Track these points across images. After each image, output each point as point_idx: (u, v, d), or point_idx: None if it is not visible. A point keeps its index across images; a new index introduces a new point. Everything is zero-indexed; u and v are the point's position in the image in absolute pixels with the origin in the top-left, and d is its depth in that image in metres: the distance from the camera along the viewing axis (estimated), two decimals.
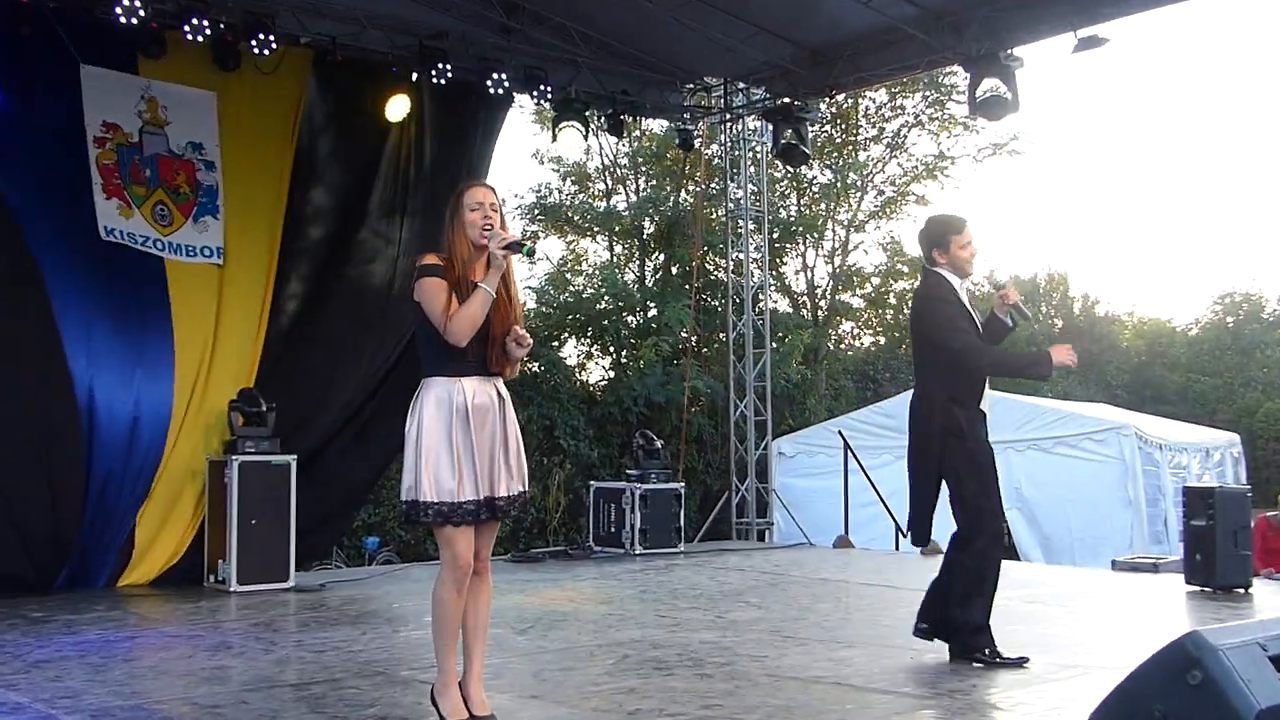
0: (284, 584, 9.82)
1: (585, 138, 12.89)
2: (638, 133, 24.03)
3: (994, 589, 6.52)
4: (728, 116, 14.72)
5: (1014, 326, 6.72)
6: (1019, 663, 6.40)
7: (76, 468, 9.61)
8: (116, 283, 9.92)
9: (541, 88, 12.01)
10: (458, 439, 4.83)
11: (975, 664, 6.45)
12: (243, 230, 10.63)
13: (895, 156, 26.99)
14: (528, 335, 4.95)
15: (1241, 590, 9.59)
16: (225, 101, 10.65)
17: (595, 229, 24.86)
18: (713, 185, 22.10)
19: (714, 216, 22.53)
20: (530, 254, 4.97)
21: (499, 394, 5.00)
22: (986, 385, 6.55)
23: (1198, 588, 9.70)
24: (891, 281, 28.27)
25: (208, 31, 9.89)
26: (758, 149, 15.82)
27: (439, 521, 4.82)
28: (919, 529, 6.64)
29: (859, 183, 26.62)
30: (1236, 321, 43.15)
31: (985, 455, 6.48)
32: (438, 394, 4.87)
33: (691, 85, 13.97)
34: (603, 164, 25.08)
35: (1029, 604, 8.93)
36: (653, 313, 22.27)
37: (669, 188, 24.28)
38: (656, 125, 22.49)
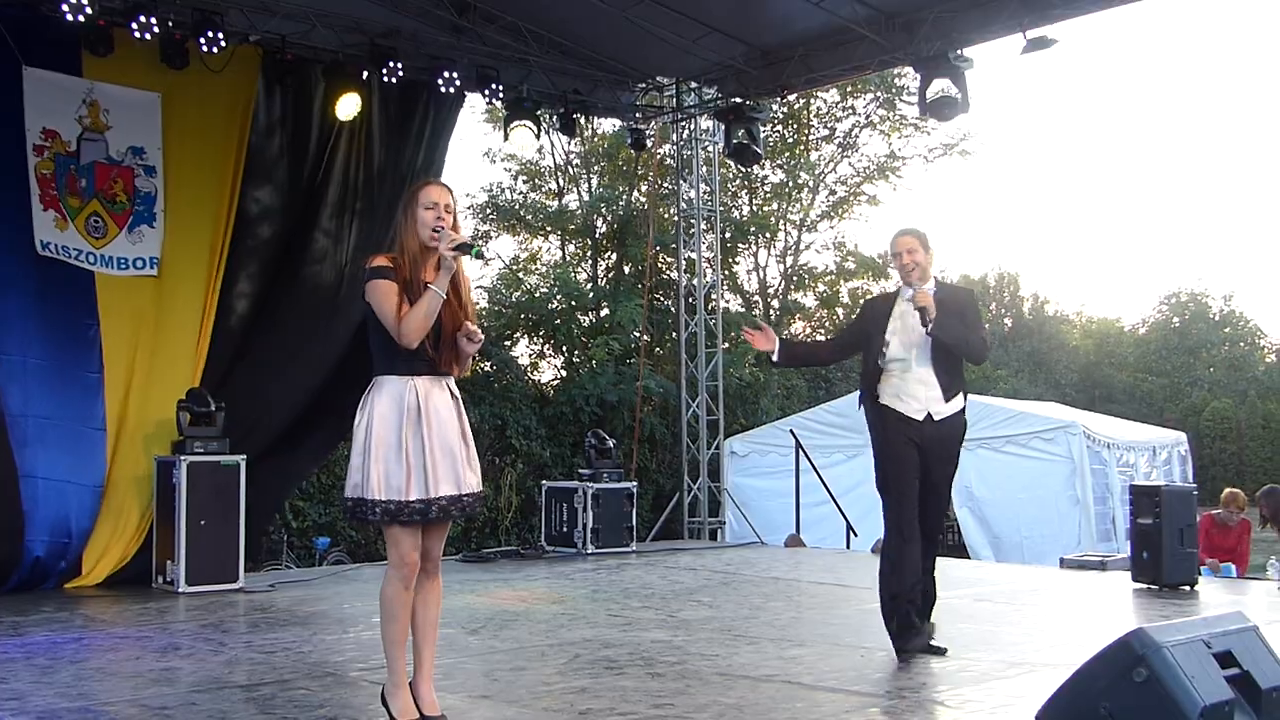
0: (233, 585, 9.75)
1: (537, 137, 12.90)
2: (590, 132, 24.05)
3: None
4: (680, 116, 14.74)
5: (930, 330, 6.71)
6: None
7: (11, 482, 9.50)
8: (48, 297, 9.79)
9: (493, 86, 11.98)
10: (408, 438, 4.82)
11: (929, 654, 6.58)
12: (185, 233, 10.52)
13: (847, 156, 27.18)
14: (479, 331, 4.95)
15: (1188, 588, 9.70)
16: (171, 102, 10.53)
17: (548, 228, 24.86)
18: (665, 184, 22.16)
19: (666, 216, 22.57)
20: (480, 256, 4.97)
21: (451, 393, 5.00)
22: (890, 380, 6.77)
23: (1145, 585, 9.81)
24: (843, 281, 28.43)
25: (156, 29, 9.79)
26: (710, 148, 15.85)
27: (386, 520, 4.81)
28: None
29: (811, 182, 26.77)
30: (1183, 321, 43.67)
31: (895, 454, 6.73)
32: (390, 393, 4.86)
33: (643, 85, 13.99)
34: (555, 163, 25.11)
35: (978, 602, 9.00)
36: (605, 312, 22.29)
37: (621, 187, 24.32)
38: (608, 124, 22.53)
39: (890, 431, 6.70)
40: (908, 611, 6.63)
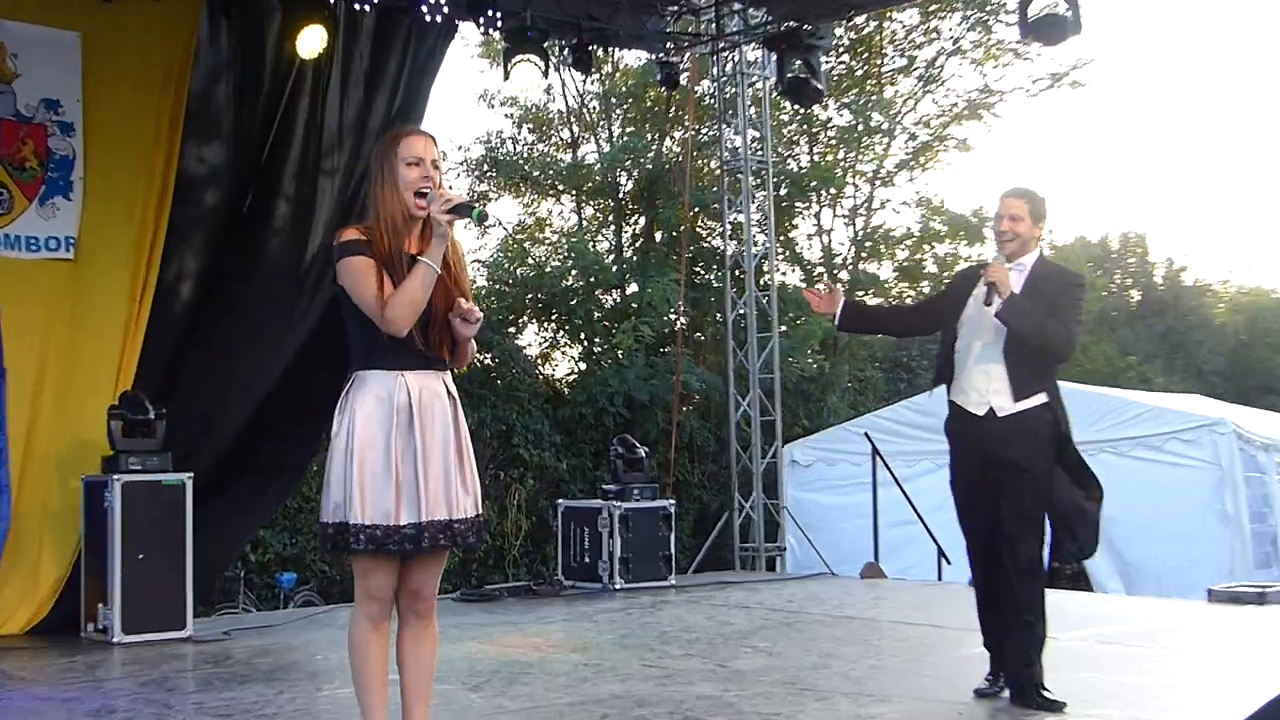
0: (180, 633, 9.79)
1: (545, 75, 12.83)
2: (610, 68, 24.05)
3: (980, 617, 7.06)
4: (721, 45, 14.74)
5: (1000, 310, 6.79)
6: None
7: None
8: None
9: (489, 14, 11.96)
10: (397, 446, 4.82)
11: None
12: (111, 202, 10.48)
13: (930, 92, 27.04)
14: (476, 309, 4.94)
15: None
16: (94, 43, 10.46)
17: (560, 187, 24.86)
18: (704, 131, 22.12)
19: (706, 170, 22.54)
20: (481, 219, 4.95)
21: (448, 391, 5.00)
22: (957, 367, 6.94)
23: None
24: (927, 247, 28.30)
25: None
26: (759, 85, 15.84)
27: (370, 549, 4.80)
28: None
29: (885, 125, 26.65)
30: None
31: (957, 462, 7.01)
32: (376, 391, 4.85)
33: (675, 7, 13.95)
34: (567, 107, 25.10)
35: (1104, 645, 8.98)
36: (632, 290, 22.29)
37: (650, 135, 24.29)
38: (633, 58, 22.55)
39: (951, 439, 7.01)
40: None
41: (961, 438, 6.93)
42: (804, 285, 25.58)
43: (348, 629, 4.97)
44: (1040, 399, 6.77)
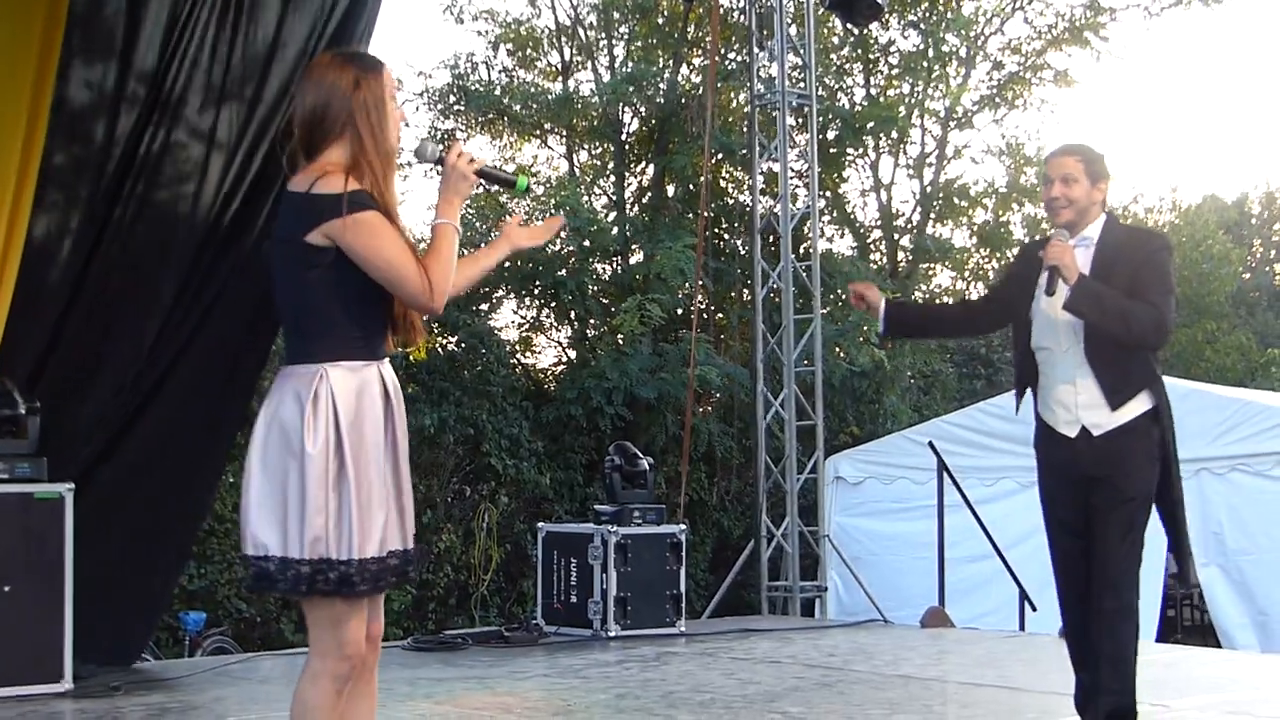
0: (56, 686, 9.80)
1: None
2: None
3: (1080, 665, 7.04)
4: None
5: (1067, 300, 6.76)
6: None
7: None
8: None
9: None
10: (384, 459, 4.91)
11: None
12: None
13: (1021, 9, 27.04)
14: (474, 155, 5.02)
15: None
16: None
17: (547, 126, 24.88)
18: (731, 57, 22.13)
19: (733, 106, 22.56)
20: (525, 190, 5.03)
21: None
22: (1041, 375, 6.91)
23: None
24: (1015, 205, 28.31)
25: None
26: None
27: (363, 589, 4.83)
28: None
29: (963, 51, 26.66)
30: None
31: (1047, 487, 7.02)
32: (356, 389, 4.87)
33: None
34: (557, 24, 25.11)
35: (1232, 716, 8.98)
36: (637, 259, 22.33)
37: (663, 61, 24.30)
38: None
39: (1040, 465, 7.04)
40: None
41: (1055, 459, 6.92)
42: (855, 254, 25.63)
43: (299, 690, 4.92)
44: (1144, 404, 6.75)
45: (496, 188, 4.96)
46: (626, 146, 24.46)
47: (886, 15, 21.65)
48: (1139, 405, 6.73)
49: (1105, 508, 6.74)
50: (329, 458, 4.79)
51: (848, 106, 25.36)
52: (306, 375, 4.86)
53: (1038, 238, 7.67)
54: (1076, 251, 6.71)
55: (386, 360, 5.01)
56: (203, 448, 11.49)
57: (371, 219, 4.81)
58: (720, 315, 22.72)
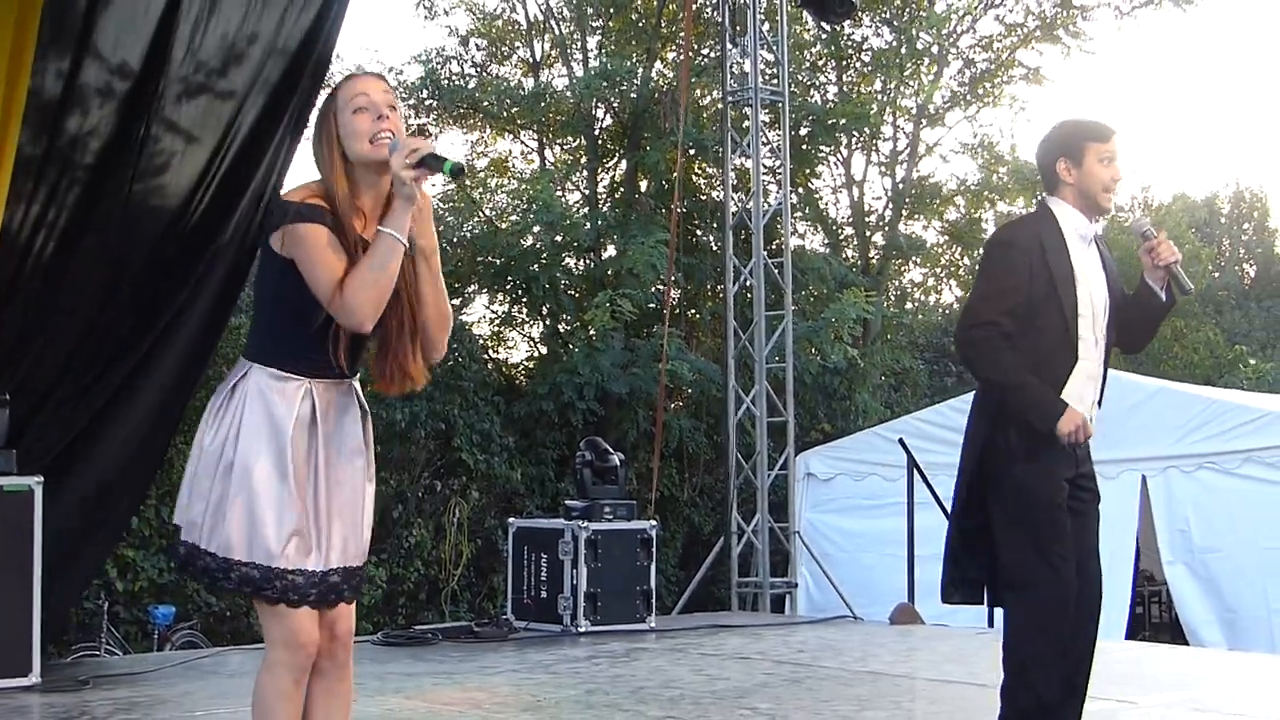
0: (23, 680, 9.78)
1: None
2: None
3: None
4: None
5: (1172, 302, 6.66)
6: None
7: None
8: None
9: None
10: (298, 471, 4.85)
11: None
12: None
13: (994, 6, 27.06)
14: (417, 141, 4.80)
15: None
16: None
17: (519, 121, 24.85)
18: (704, 53, 22.12)
19: (706, 101, 22.55)
20: (456, 172, 4.80)
21: (360, 405, 5.03)
22: (1080, 367, 6.59)
23: None
24: (987, 203, 28.34)
25: None
26: None
27: (248, 591, 4.82)
28: (944, 579, 7.01)
29: (936, 48, 26.67)
30: None
31: (1042, 486, 6.62)
32: (273, 399, 4.85)
33: None
34: (529, 18, 25.08)
35: (1198, 713, 9.01)
36: (609, 254, 22.31)
37: (635, 56, 24.28)
38: None
39: (1039, 460, 6.57)
40: None
41: (1064, 456, 6.56)
42: (828, 250, 25.64)
43: (257, 682, 4.92)
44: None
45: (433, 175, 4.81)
46: (599, 142, 24.44)
47: (859, 12, 21.65)
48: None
49: (1087, 505, 6.71)
50: (221, 453, 4.81)
51: (820, 103, 25.37)
52: (238, 371, 4.91)
53: (1018, 222, 7.45)
54: (1093, 245, 6.63)
55: (342, 382, 4.95)
56: (154, 440, 11.53)
57: (306, 232, 4.75)
58: (692, 311, 22.72)
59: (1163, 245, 6.49)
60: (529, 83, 24.86)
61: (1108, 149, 6.61)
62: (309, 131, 5.00)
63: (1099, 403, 6.65)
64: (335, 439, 4.90)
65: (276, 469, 4.80)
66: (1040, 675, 6.63)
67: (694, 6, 20.12)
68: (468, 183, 24.48)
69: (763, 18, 15.79)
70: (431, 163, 4.72)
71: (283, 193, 4.89)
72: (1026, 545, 6.58)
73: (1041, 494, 6.56)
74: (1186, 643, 15.80)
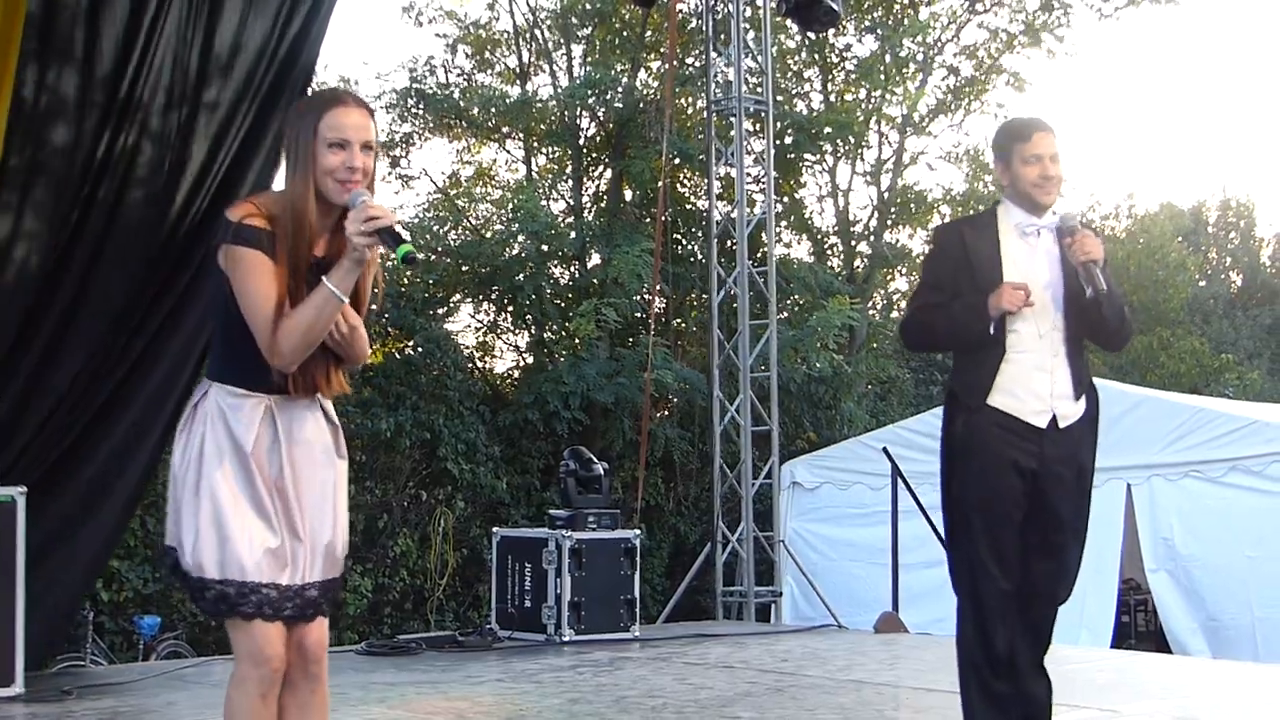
0: (7, 690, 9.78)
1: None
2: None
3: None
4: None
5: (1097, 300, 6.60)
6: None
7: None
8: None
9: None
10: (265, 487, 4.87)
11: None
12: None
13: (976, 14, 27.08)
14: (379, 210, 4.78)
15: None
16: None
17: (504, 129, 24.84)
18: (689, 62, 22.13)
19: (691, 110, 22.55)
20: (410, 261, 4.75)
21: (329, 420, 5.05)
22: (1016, 358, 6.61)
23: None
24: (971, 209, 28.34)
25: None
26: (759, 3, 15.85)
27: (224, 609, 4.84)
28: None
29: (920, 56, 26.68)
30: None
31: (971, 489, 6.67)
32: (230, 416, 4.87)
33: None
34: (515, 26, 25.09)
35: None
36: (594, 262, 22.31)
37: (621, 65, 24.28)
38: None
39: (989, 452, 6.60)
40: None
41: (1009, 450, 6.57)
42: (813, 260, 25.64)
43: (227, 696, 4.94)
44: (1090, 395, 6.72)
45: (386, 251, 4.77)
46: (584, 151, 24.44)
47: (843, 20, 21.66)
48: (1088, 396, 6.72)
49: (1067, 511, 6.66)
50: (186, 474, 4.85)
51: (805, 112, 25.38)
52: (199, 390, 4.95)
53: (958, 221, 7.51)
54: (1046, 236, 6.67)
55: (303, 399, 4.96)
56: (142, 452, 11.51)
57: (243, 255, 4.77)
58: (678, 320, 22.72)
59: (1077, 242, 6.51)
60: (514, 91, 24.86)
61: (1030, 148, 6.69)
62: None
63: (1076, 395, 6.63)
64: (302, 453, 4.93)
65: (242, 486, 4.83)
66: (972, 677, 6.75)
67: (678, 16, 20.14)
68: (453, 190, 24.52)
69: (747, 26, 15.78)
70: (388, 239, 4.72)
71: (227, 210, 4.86)
72: (959, 546, 6.83)
73: (969, 497, 6.65)
74: (1170, 651, 15.81)
